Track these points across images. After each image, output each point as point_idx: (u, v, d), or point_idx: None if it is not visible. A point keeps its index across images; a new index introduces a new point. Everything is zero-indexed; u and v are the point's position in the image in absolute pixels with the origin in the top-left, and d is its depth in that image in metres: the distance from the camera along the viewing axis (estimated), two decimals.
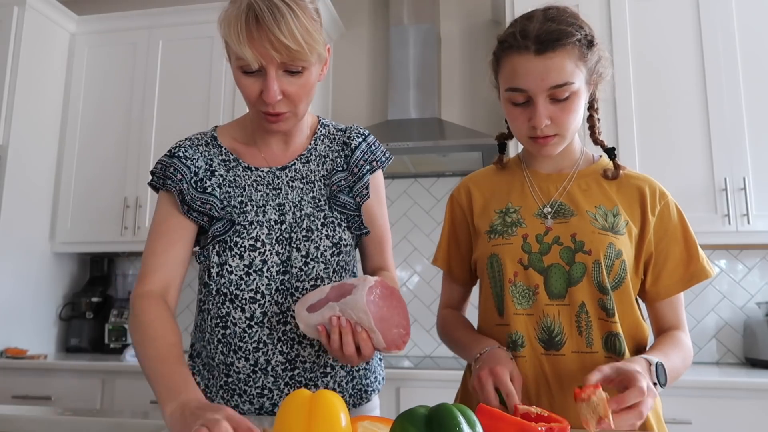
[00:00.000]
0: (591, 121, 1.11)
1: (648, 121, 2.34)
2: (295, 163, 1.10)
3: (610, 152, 1.09)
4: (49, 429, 0.96)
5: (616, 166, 1.07)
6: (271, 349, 1.03)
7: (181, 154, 1.07)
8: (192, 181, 1.04)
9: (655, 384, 0.87)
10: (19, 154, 2.65)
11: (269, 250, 1.03)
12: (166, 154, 1.07)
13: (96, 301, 2.90)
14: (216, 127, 1.15)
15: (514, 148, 2.38)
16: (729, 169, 2.24)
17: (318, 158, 1.11)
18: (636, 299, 1.04)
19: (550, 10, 0.99)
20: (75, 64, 2.93)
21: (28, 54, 2.70)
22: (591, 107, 1.09)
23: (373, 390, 1.14)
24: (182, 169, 1.04)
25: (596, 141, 1.11)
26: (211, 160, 1.08)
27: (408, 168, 2.73)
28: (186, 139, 1.11)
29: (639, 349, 1.03)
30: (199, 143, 1.10)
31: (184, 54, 2.85)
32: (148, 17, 2.90)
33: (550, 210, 1.04)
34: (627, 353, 0.98)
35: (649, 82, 2.36)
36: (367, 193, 1.09)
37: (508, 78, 0.98)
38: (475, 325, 1.15)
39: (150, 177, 1.09)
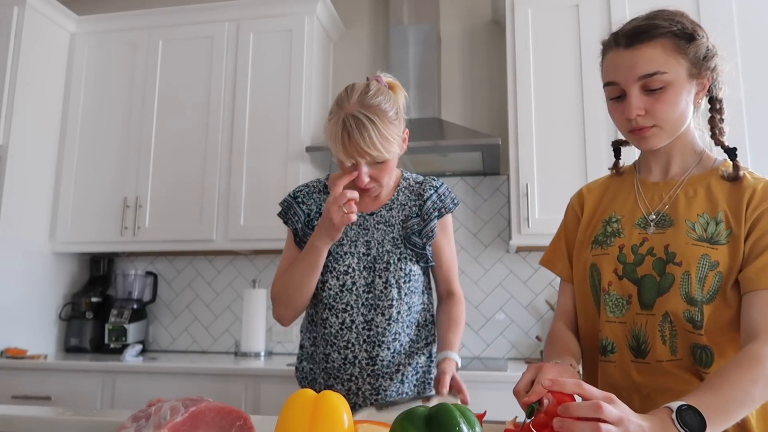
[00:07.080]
0: (712, 121, 1.07)
1: None
2: (381, 210, 1.40)
3: (731, 153, 1.04)
4: (49, 429, 0.96)
5: (735, 167, 1.01)
6: (357, 348, 1.34)
7: (300, 199, 1.43)
8: (305, 221, 1.41)
9: None
10: (19, 154, 2.65)
11: (358, 274, 1.35)
12: (290, 196, 1.44)
13: (96, 301, 2.90)
14: (329, 175, 1.48)
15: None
16: None
17: (399, 206, 1.41)
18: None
19: (653, 11, 1.01)
20: (75, 64, 2.93)
21: (28, 54, 2.70)
22: (712, 107, 1.06)
23: (429, 383, 1.42)
24: (299, 213, 1.41)
25: (717, 142, 1.07)
26: (321, 204, 1.42)
27: (408, 168, 2.71)
28: (305, 186, 1.46)
29: None
30: (314, 190, 1.45)
31: (184, 54, 2.84)
32: (148, 17, 2.90)
33: (654, 218, 1.05)
34: (713, 368, 0.94)
35: None
36: (433, 234, 1.39)
37: (604, 75, 1.03)
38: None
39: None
